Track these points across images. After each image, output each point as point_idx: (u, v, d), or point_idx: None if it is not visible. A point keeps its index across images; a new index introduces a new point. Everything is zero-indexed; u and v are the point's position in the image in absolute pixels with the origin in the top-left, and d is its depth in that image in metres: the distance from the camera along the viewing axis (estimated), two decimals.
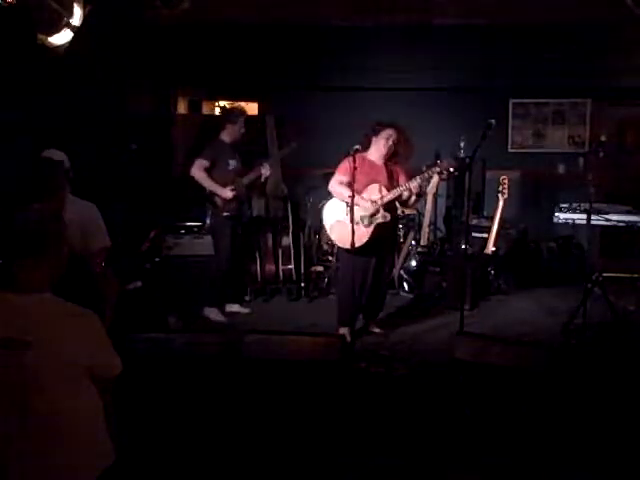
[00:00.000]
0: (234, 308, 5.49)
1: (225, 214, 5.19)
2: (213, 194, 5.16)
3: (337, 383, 3.85)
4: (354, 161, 4.23)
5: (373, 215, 4.54)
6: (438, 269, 5.90)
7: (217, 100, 8.16)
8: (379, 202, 4.52)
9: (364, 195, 4.54)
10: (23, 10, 3.72)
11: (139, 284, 5.26)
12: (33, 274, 2.05)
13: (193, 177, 5.15)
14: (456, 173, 4.78)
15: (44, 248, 2.06)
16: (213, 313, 5.28)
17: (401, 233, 6.04)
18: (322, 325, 5.03)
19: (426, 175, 4.57)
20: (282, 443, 3.31)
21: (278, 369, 3.91)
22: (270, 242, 6.22)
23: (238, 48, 7.17)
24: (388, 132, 4.60)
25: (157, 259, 5.82)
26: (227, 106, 7.74)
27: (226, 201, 5.16)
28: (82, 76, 5.57)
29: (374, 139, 4.65)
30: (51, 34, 3.99)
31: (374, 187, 4.56)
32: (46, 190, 3.05)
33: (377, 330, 4.91)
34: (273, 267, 6.14)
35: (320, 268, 6.25)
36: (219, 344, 4.30)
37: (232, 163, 5.23)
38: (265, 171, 5.33)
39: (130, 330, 3.92)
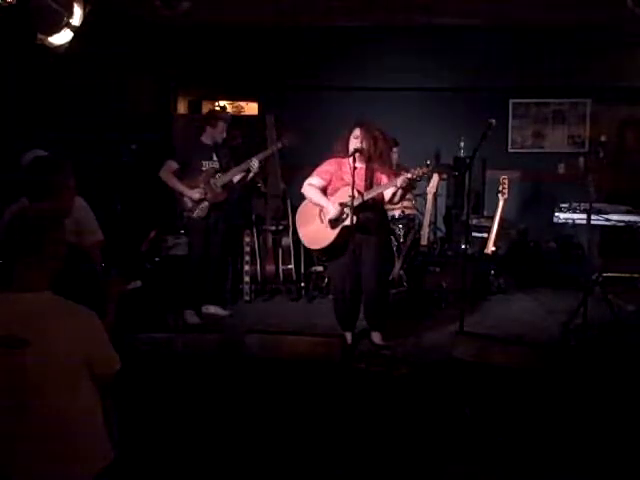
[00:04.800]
0: (211, 310, 5.46)
1: (196, 215, 5.12)
2: (182, 195, 5.12)
3: (337, 383, 3.85)
4: (354, 161, 4.22)
5: (339, 218, 4.39)
6: (438, 269, 5.89)
7: (217, 100, 8.16)
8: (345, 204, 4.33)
9: (333, 198, 4.45)
10: (23, 10, 3.72)
11: (139, 284, 5.26)
12: (32, 273, 2.05)
13: (160, 178, 5.11)
14: (419, 178, 4.44)
15: (42, 248, 2.07)
16: (188, 315, 5.25)
17: (401, 233, 6.04)
18: (322, 325, 5.03)
19: (397, 182, 4.29)
20: (282, 443, 3.31)
21: (278, 369, 3.91)
22: (270, 242, 6.22)
23: (238, 48, 7.18)
24: (355, 132, 4.40)
25: (157, 259, 5.83)
26: (216, 108, 7.76)
27: (195, 202, 5.10)
28: (82, 76, 5.58)
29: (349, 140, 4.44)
30: (51, 34, 3.98)
31: (345, 190, 4.36)
32: (48, 190, 3.04)
33: (378, 342, 4.68)
34: (273, 267, 6.13)
35: (320, 268, 6.24)
36: (219, 344, 4.30)
37: (207, 164, 5.17)
38: (253, 164, 5.15)
39: (130, 330, 3.92)
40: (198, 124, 5.41)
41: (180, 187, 5.10)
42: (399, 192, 4.42)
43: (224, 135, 5.27)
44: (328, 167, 4.54)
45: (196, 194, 5.09)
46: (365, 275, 4.53)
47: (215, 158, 5.23)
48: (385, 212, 4.86)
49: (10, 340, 1.95)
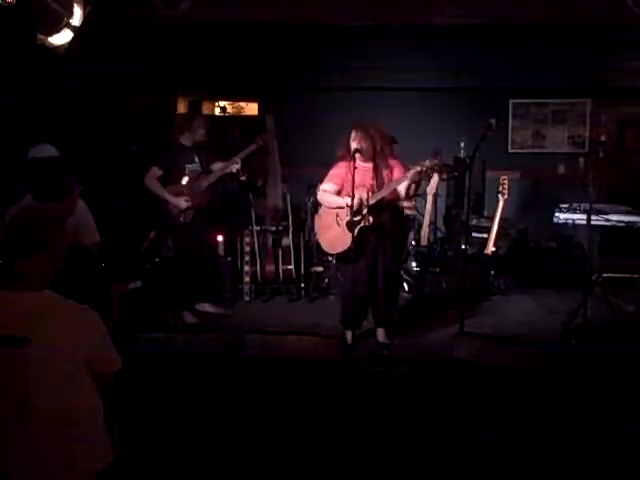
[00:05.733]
0: (206, 307, 5.47)
1: (182, 221, 5.12)
2: (168, 203, 5.10)
3: (337, 383, 3.86)
4: (354, 161, 4.23)
5: (357, 220, 4.39)
6: (438, 269, 5.90)
7: (217, 100, 8.17)
8: (364, 205, 4.35)
9: (348, 201, 4.43)
10: (23, 10, 3.71)
11: (139, 284, 5.28)
12: (32, 272, 2.05)
13: (146, 186, 5.09)
14: (442, 175, 4.46)
15: (43, 247, 2.07)
16: (186, 315, 5.26)
17: None
18: (322, 325, 5.03)
19: (408, 176, 4.30)
20: (282, 443, 3.31)
21: (278, 369, 3.92)
22: (270, 242, 6.22)
23: (238, 48, 7.18)
24: (352, 134, 4.45)
25: (157, 259, 5.83)
26: (216, 107, 7.79)
27: (180, 210, 5.10)
28: (82, 76, 5.58)
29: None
30: (51, 34, 3.98)
31: (359, 192, 4.35)
32: (59, 190, 3.05)
33: (382, 340, 4.71)
34: (273, 267, 6.13)
35: (320, 268, 6.24)
36: (219, 344, 4.31)
37: (190, 167, 5.15)
38: (234, 167, 5.15)
39: (130, 330, 3.92)
40: (178, 125, 5.37)
41: (166, 196, 5.07)
42: (413, 185, 4.44)
43: (205, 138, 5.21)
44: (339, 171, 4.58)
45: (183, 203, 5.07)
46: (380, 275, 4.54)
47: (197, 160, 5.20)
48: (400, 210, 4.87)
49: (11, 339, 1.95)
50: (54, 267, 2.12)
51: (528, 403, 3.60)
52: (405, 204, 5.92)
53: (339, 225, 4.55)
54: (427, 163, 4.24)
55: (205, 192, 5.19)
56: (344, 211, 4.48)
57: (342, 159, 4.56)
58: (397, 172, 4.50)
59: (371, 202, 4.34)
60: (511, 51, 7.05)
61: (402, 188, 4.44)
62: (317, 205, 4.98)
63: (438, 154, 4.31)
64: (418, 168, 4.26)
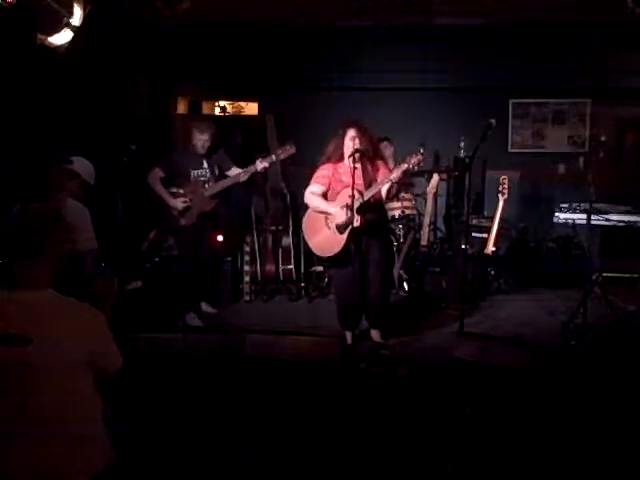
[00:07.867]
0: (202, 307, 5.46)
1: (183, 224, 5.08)
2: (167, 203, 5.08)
3: (337, 383, 3.86)
4: (354, 162, 4.21)
5: (347, 221, 4.34)
6: (438, 269, 5.89)
7: (217, 100, 8.17)
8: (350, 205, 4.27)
9: (335, 202, 4.43)
10: (23, 10, 3.72)
11: (139, 284, 5.28)
12: (34, 272, 2.06)
13: (148, 183, 5.09)
14: (417, 166, 4.39)
15: (44, 246, 2.07)
16: (189, 318, 5.22)
17: (401, 233, 6.04)
18: (322, 325, 5.03)
19: (394, 176, 4.24)
20: (281, 443, 3.31)
21: (278, 369, 3.91)
22: (270, 242, 6.22)
23: (238, 48, 7.18)
24: (351, 133, 4.40)
25: (157, 259, 5.83)
26: (216, 107, 7.81)
27: (179, 212, 5.06)
28: (82, 76, 5.57)
29: (344, 142, 4.44)
30: (51, 34, 3.99)
31: (345, 192, 4.34)
32: (41, 190, 3.06)
33: (377, 340, 4.68)
34: (273, 267, 6.13)
35: (320, 268, 6.24)
36: (219, 344, 4.31)
37: (195, 173, 5.07)
38: (260, 166, 4.96)
39: (130, 330, 3.92)
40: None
41: (165, 196, 5.05)
42: (395, 186, 4.38)
43: (205, 143, 5.04)
44: (325, 172, 4.53)
45: (179, 204, 5.03)
46: (371, 275, 4.50)
47: (205, 165, 5.11)
48: (385, 211, 4.84)
49: (12, 338, 1.95)
50: (56, 266, 2.12)
51: (528, 403, 3.60)
52: (405, 204, 5.95)
53: (329, 228, 4.48)
54: (413, 159, 4.19)
55: (210, 200, 5.10)
56: (334, 215, 4.42)
57: (326, 161, 4.53)
58: (382, 172, 4.46)
59: (358, 203, 4.25)
60: (511, 51, 7.06)
61: (384, 189, 4.39)
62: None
63: (422, 148, 4.29)
64: (404, 166, 4.21)
